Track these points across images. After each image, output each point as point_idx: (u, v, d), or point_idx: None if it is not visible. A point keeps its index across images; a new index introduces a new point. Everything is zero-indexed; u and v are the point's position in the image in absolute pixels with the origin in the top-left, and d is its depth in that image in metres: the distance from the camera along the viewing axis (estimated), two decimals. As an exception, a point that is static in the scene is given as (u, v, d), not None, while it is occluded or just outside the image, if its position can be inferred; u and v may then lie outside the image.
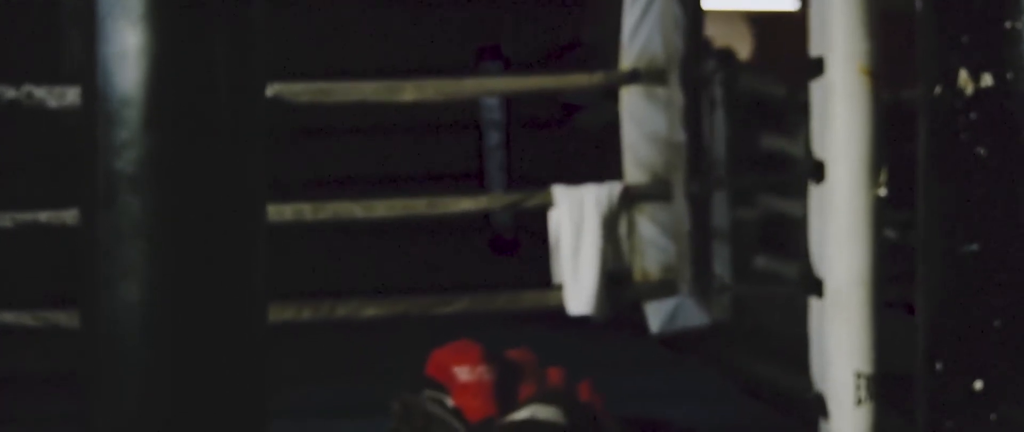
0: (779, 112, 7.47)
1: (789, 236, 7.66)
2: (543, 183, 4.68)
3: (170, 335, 2.65)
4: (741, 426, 4.45)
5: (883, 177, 3.90)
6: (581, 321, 5.15)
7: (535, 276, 6.43)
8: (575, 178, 4.49)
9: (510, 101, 8.35)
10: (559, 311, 4.73)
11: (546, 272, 6.79)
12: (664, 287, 4.27)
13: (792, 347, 5.80)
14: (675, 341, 5.51)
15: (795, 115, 7.30)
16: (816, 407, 4.02)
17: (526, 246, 8.16)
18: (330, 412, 4.56)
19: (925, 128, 3.52)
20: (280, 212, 4.16)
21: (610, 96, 7.21)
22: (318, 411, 4.58)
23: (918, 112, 3.54)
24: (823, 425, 4.01)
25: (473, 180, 8.36)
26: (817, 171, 3.94)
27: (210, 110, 2.66)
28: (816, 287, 3.96)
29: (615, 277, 4.32)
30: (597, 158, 7.31)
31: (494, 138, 8.39)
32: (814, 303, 4.02)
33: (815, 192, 3.99)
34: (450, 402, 3.94)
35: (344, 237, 7.01)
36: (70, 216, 4.14)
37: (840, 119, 3.86)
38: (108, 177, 2.64)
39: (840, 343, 3.91)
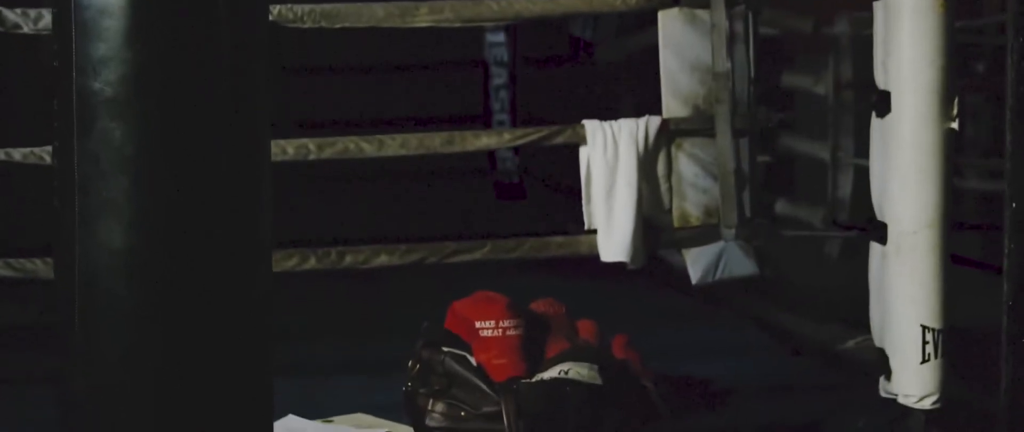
0: (794, 49, 7.11)
1: (803, 179, 7.33)
2: (551, 124, 4.32)
3: (158, 284, 2.26)
4: (788, 385, 4.07)
5: (955, 109, 3.50)
6: (596, 269, 4.80)
7: (542, 222, 6.09)
8: (587, 118, 4.09)
9: (516, 38, 7.95)
10: (575, 259, 4.36)
11: (553, 218, 6.43)
12: (706, 233, 3.87)
13: (823, 298, 5.47)
14: (700, 291, 5.16)
15: (813, 54, 6.96)
16: (876, 365, 3.64)
17: (532, 191, 7.81)
18: (339, 369, 4.18)
19: (1018, 52, 3.12)
20: (282, 149, 3.75)
21: (625, 29, 6.83)
22: (326, 368, 4.20)
23: (1008, 32, 3.13)
24: (884, 384, 3.63)
25: (477, 122, 7.98)
26: (881, 102, 3.54)
27: (204, 20, 2.25)
28: (878, 232, 3.57)
29: (652, 221, 3.92)
30: (612, 96, 6.93)
31: (500, 77, 7.99)
32: (875, 250, 3.63)
33: (877, 126, 3.59)
34: (473, 359, 3.56)
35: (337, 183, 6.62)
36: (49, 153, 3.74)
37: (908, 43, 3.47)
38: (84, 100, 2.24)
39: (905, 294, 3.53)
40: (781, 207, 6.95)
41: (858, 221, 6.40)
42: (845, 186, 6.79)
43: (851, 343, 4.71)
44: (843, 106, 6.72)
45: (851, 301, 5.39)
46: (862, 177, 6.45)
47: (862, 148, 6.36)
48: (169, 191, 2.26)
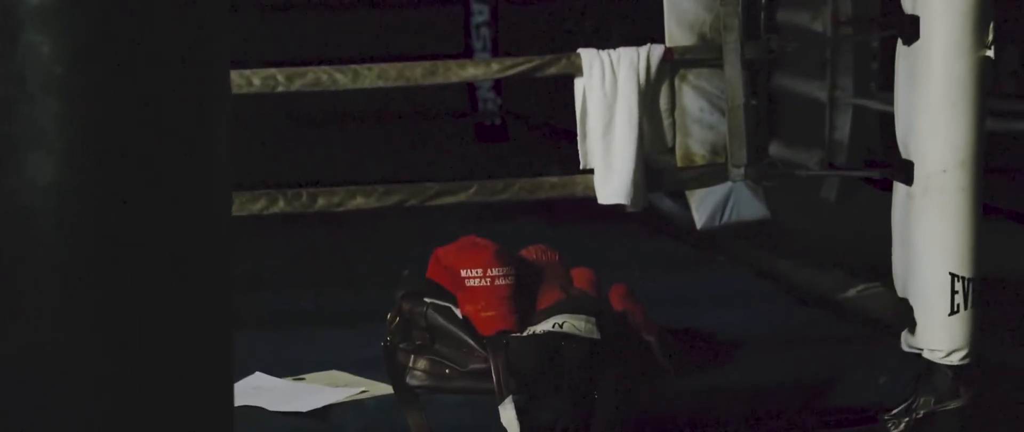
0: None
1: (796, 120, 7.05)
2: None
3: (95, 227, 1.93)
4: (798, 337, 3.77)
5: (990, 35, 3.19)
6: (583, 213, 4.51)
7: (526, 165, 5.77)
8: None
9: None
10: (560, 203, 4.05)
11: (537, 161, 6.12)
12: (713, 173, 3.55)
13: (821, 243, 5.19)
14: (692, 236, 4.87)
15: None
16: (899, 317, 3.34)
17: (514, 133, 7.52)
18: (312, 322, 3.86)
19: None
20: (247, 80, 3.41)
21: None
22: (298, 320, 3.88)
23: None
24: (907, 338, 3.34)
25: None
26: (909, 28, 3.22)
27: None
28: (903, 171, 3.26)
29: (652, 160, 3.59)
30: (602, 33, 6.64)
31: (481, 14, 7.65)
32: (899, 191, 3.33)
33: (904, 54, 3.28)
34: (458, 311, 3.24)
35: (307, 126, 6.29)
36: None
37: (939, -40, 3.15)
38: (6, 9, 1.90)
39: (933, 239, 3.24)
40: (774, 149, 6.66)
41: (855, 164, 6.16)
42: (843, 127, 6.51)
43: (853, 291, 4.45)
44: (842, 43, 6.43)
45: (850, 246, 5.12)
46: (861, 118, 6.19)
47: (861, 87, 6.11)
48: (108, 118, 1.93)
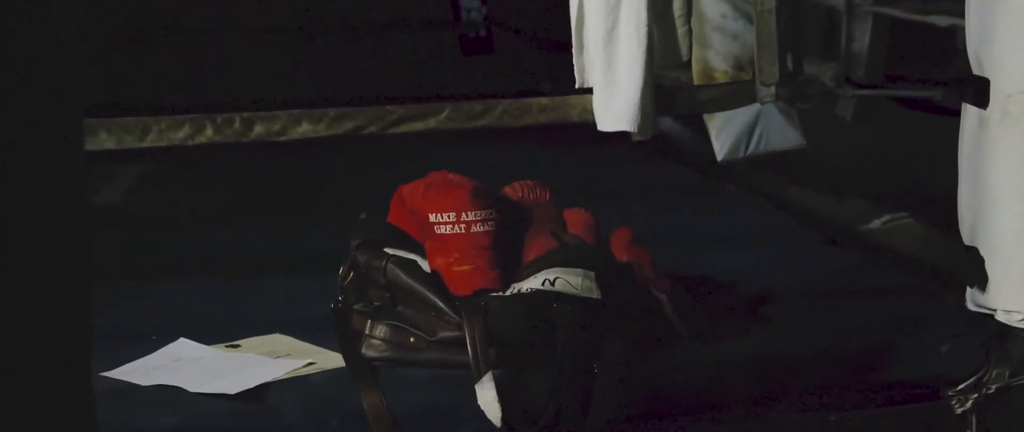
0: None
1: (806, 30, 6.50)
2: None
3: None
4: (834, 288, 3.19)
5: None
6: (571, 135, 3.93)
7: (513, 81, 5.21)
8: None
9: None
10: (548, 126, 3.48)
11: (526, 77, 5.56)
12: (737, 92, 2.96)
13: (837, 170, 4.61)
14: (694, 160, 4.30)
15: None
16: (966, 270, 2.76)
17: (501, 45, 6.95)
18: (250, 269, 3.28)
19: None
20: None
21: None
22: (232, 268, 3.29)
23: None
24: (974, 295, 2.77)
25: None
26: (986, -87, 2.60)
27: None
28: (976, 91, 2.67)
29: (663, 77, 3.00)
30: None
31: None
32: (969, 115, 2.74)
33: (978, -52, 2.66)
34: (426, 265, 2.65)
35: (258, 37, 5.68)
36: None
37: None
38: None
39: (1012, 176, 2.68)
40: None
41: (875, 78, 5.62)
42: (862, 38, 5.95)
43: (877, 222, 3.91)
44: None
45: (871, 171, 4.53)
46: (880, 27, 5.62)
47: (882, -7, 5.53)
48: None
